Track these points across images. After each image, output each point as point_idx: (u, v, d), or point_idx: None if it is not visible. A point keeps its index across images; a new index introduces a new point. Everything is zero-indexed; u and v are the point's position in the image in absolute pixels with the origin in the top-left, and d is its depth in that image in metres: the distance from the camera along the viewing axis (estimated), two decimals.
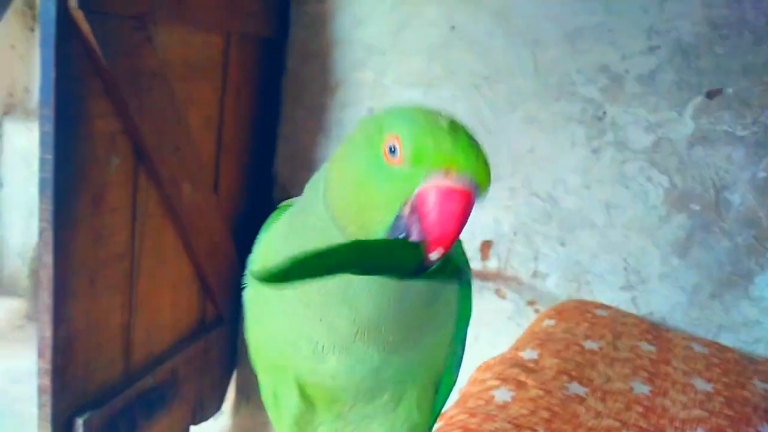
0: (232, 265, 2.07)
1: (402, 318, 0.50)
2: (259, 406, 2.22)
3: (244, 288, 0.61)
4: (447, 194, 0.45)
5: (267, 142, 2.14)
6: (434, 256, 0.44)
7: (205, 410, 2.15)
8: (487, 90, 1.79)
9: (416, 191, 0.45)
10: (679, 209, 1.64)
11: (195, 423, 2.11)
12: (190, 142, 1.76)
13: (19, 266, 2.93)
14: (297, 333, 0.52)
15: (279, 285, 0.43)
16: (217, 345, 2.11)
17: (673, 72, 1.61)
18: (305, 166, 2.10)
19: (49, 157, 1.36)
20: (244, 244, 2.11)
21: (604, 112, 1.66)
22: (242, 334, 2.19)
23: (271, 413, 0.61)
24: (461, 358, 0.61)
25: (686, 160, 1.62)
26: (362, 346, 0.50)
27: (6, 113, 2.82)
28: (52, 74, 1.32)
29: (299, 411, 0.57)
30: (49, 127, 1.34)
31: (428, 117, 0.48)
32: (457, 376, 0.62)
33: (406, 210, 0.45)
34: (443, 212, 0.44)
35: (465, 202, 0.45)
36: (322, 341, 0.51)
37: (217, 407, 2.24)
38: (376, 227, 0.46)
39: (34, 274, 2.87)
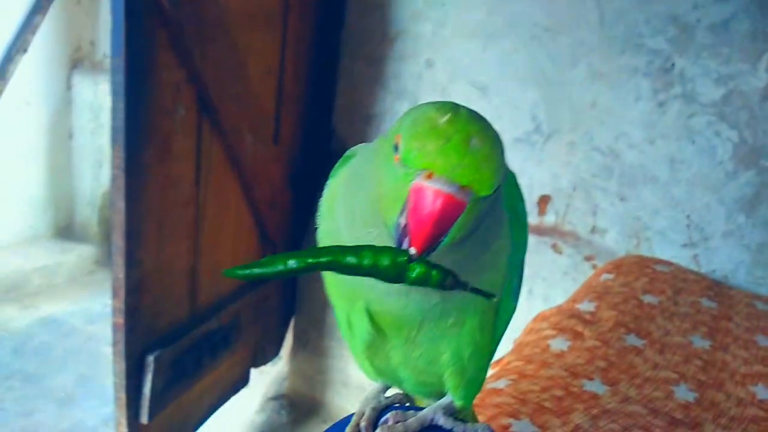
0: (290, 214, 2.12)
1: (463, 247, 0.52)
2: (316, 352, 2.30)
3: (316, 228, 0.64)
4: (424, 196, 0.45)
5: (325, 94, 2.16)
6: (412, 253, 0.45)
7: (264, 354, 2.25)
8: (549, 42, 1.75)
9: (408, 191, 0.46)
10: (748, 165, 1.59)
11: (255, 366, 2.21)
12: (252, 93, 1.79)
13: (89, 214, 3.07)
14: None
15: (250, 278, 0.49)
16: (276, 293, 2.19)
17: (748, 21, 1.54)
18: (362, 119, 2.11)
19: (121, 105, 1.41)
20: (301, 194, 2.17)
21: (672, 64, 1.61)
22: (300, 282, 2.27)
23: (346, 339, 0.65)
24: (519, 285, 0.63)
25: (758, 115, 1.56)
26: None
27: (74, 67, 2.92)
28: (122, 26, 1.36)
29: (370, 337, 0.60)
30: (120, 77, 1.39)
31: (432, 116, 0.47)
32: (515, 303, 0.64)
33: (403, 209, 0.47)
34: (418, 214, 0.45)
35: (443, 206, 0.44)
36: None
37: (276, 352, 2.34)
38: (388, 222, 0.48)
39: (104, 221, 3.02)
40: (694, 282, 1.44)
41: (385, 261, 0.48)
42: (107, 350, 2.48)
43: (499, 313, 0.60)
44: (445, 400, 0.62)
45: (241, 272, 0.50)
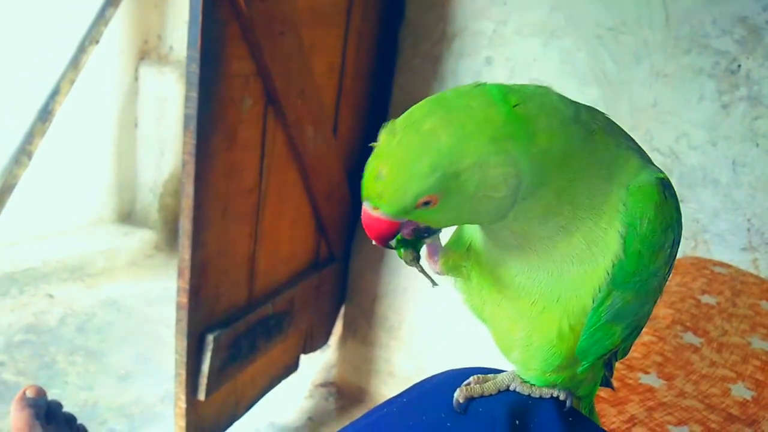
0: (346, 206, 2.17)
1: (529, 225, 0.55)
2: (364, 342, 2.35)
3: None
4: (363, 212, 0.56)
5: (384, 90, 2.20)
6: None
7: (314, 341, 2.31)
8: (612, 41, 1.75)
9: None
10: None
11: (305, 352, 2.27)
12: (314, 87, 1.84)
13: (150, 200, 3.19)
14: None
15: None
16: (328, 281, 2.24)
17: None
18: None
19: (194, 94, 1.47)
20: (357, 187, 2.21)
21: (739, 66, 1.59)
22: (352, 272, 2.32)
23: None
24: (626, 311, 0.57)
25: None
26: (515, 243, 0.57)
27: (141, 59, 3.05)
28: (199, 18, 1.43)
29: (466, 286, 0.67)
30: (195, 67, 1.46)
31: (387, 135, 0.55)
32: (617, 328, 0.58)
33: None
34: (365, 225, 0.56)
35: (365, 218, 0.56)
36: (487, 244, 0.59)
37: (325, 340, 2.39)
38: None
39: (164, 208, 3.13)
40: (754, 284, 1.42)
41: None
42: (164, 331, 2.60)
43: (587, 324, 0.58)
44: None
45: None
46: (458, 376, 0.64)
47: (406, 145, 0.52)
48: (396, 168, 0.52)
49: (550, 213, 0.54)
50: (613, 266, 0.55)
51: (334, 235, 2.18)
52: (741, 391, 1.03)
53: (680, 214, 0.57)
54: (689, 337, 1.16)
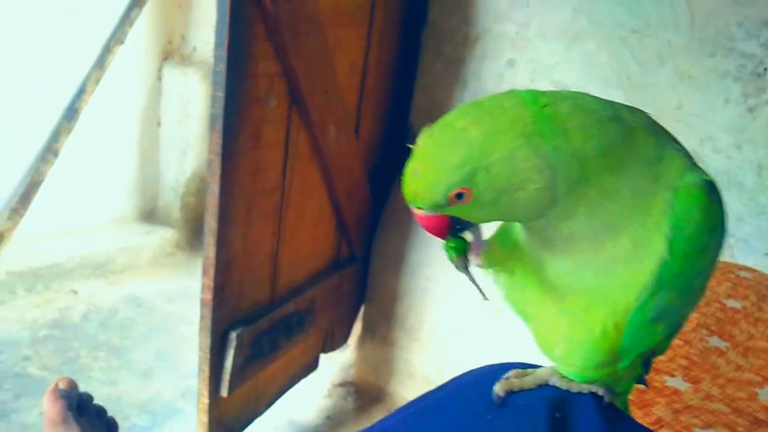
0: (367, 207, 2.19)
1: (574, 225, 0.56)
2: (383, 342, 2.36)
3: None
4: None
5: (405, 92, 2.21)
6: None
7: (334, 341, 2.32)
8: (635, 44, 1.75)
9: None
10: None
11: (324, 351, 2.29)
12: (338, 88, 1.86)
13: (172, 199, 3.23)
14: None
15: None
16: (349, 281, 2.26)
17: None
18: (439, 117, 2.15)
19: (221, 94, 1.49)
20: (378, 188, 2.23)
21: (765, 69, 1.58)
22: (372, 272, 2.33)
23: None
24: (670, 310, 0.58)
25: None
26: (561, 243, 0.58)
27: (165, 59, 3.08)
28: (227, 19, 1.45)
29: (509, 285, 0.68)
30: (222, 67, 1.47)
31: (424, 136, 0.58)
32: (660, 328, 0.59)
33: None
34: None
35: (415, 215, 0.59)
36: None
37: (344, 340, 2.41)
38: None
39: (185, 207, 3.17)
40: None
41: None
42: (185, 328, 2.62)
43: (630, 322, 0.58)
44: None
45: None
46: (496, 370, 0.65)
47: (439, 142, 0.55)
48: (429, 164, 0.55)
49: (594, 211, 0.54)
50: (659, 267, 0.55)
51: (355, 235, 2.20)
52: None
53: (725, 216, 0.58)
54: (715, 341, 1.16)
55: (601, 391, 0.62)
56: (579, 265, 0.58)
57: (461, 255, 0.64)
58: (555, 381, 0.63)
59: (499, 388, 0.62)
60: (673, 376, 1.03)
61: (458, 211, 0.56)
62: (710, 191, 0.56)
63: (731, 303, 1.30)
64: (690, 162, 0.58)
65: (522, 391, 0.62)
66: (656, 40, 1.71)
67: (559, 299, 0.61)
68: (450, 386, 0.67)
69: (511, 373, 0.63)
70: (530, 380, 0.63)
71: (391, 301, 2.30)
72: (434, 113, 2.17)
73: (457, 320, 2.17)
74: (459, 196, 0.54)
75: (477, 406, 0.60)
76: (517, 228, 0.67)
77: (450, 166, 0.53)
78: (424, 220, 0.58)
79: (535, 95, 0.54)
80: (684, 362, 1.08)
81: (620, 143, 0.54)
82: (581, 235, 0.56)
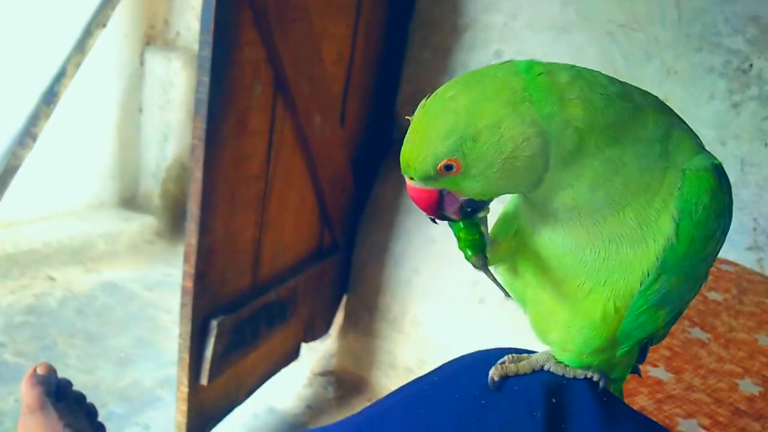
0: (350, 196, 2.17)
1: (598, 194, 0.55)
2: (365, 332, 2.36)
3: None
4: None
5: (391, 81, 2.20)
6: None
7: (315, 330, 2.31)
8: (622, 38, 1.75)
9: None
10: None
11: (306, 341, 2.28)
12: (324, 76, 1.84)
13: (152, 186, 3.19)
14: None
15: None
16: (331, 271, 2.25)
17: None
18: None
19: (206, 79, 1.47)
20: (361, 177, 2.22)
21: (750, 65, 1.59)
22: (355, 262, 2.32)
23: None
24: (673, 295, 0.57)
25: None
26: (563, 218, 0.57)
27: (147, 44, 3.03)
28: (213, 3, 1.42)
29: (507, 269, 0.67)
30: (207, 52, 1.45)
31: (419, 108, 0.57)
32: (663, 312, 0.58)
33: None
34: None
35: (411, 190, 0.58)
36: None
37: (326, 329, 2.40)
38: None
39: (166, 194, 3.13)
40: (760, 283, 1.43)
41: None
42: (164, 316, 2.60)
43: (633, 306, 0.58)
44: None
45: None
46: (490, 356, 0.64)
47: (430, 112, 0.55)
48: (420, 134, 0.54)
49: (598, 182, 0.53)
50: (664, 250, 0.55)
51: (338, 224, 2.18)
52: (748, 386, 1.04)
53: (732, 201, 0.58)
54: (697, 333, 1.17)
55: (596, 377, 0.62)
56: (581, 245, 0.57)
57: (479, 253, 0.61)
58: (550, 366, 0.63)
59: (494, 373, 0.61)
60: (655, 366, 1.04)
61: (450, 183, 0.55)
62: (719, 175, 0.55)
63: (713, 295, 1.32)
64: (698, 144, 0.58)
65: (517, 375, 0.62)
66: (643, 34, 1.71)
67: (561, 284, 0.60)
68: (444, 371, 0.66)
69: (506, 357, 0.63)
70: (526, 365, 0.62)
71: (374, 292, 2.30)
72: (419, 102, 2.16)
73: (441, 312, 2.17)
74: (448, 167, 0.53)
75: (472, 391, 0.60)
76: (518, 212, 0.66)
77: (438, 136, 0.53)
78: (414, 192, 0.57)
79: (531, 64, 0.53)
80: (666, 353, 1.09)
81: (628, 119, 0.53)
82: (584, 208, 0.55)
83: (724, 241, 0.59)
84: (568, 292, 0.60)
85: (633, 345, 0.61)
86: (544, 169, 0.53)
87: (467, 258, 0.61)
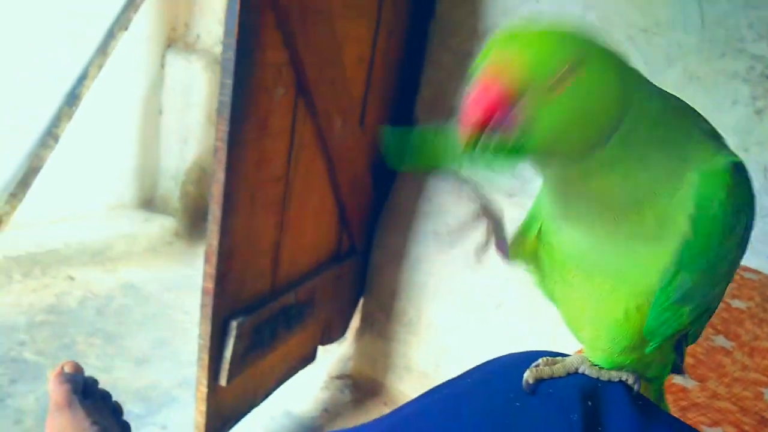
0: (369, 199, 2.18)
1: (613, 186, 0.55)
2: (381, 335, 2.36)
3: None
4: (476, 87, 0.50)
5: (411, 84, 2.21)
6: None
7: (332, 333, 2.32)
8: (644, 43, 1.75)
9: None
10: None
11: (322, 343, 2.28)
12: (345, 78, 1.85)
13: (172, 188, 3.21)
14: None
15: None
16: (349, 274, 2.25)
17: None
18: (445, 111, 2.15)
19: (229, 81, 1.48)
20: (381, 180, 2.22)
21: None
22: (371, 265, 2.32)
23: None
24: (694, 292, 0.57)
25: None
26: (587, 211, 0.58)
27: (169, 46, 3.06)
28: (237, 6, 1.44)
29: (537, 266, 0.67)
30: (231, 54, 1.46)
31: (499, 38, 0.52)
32: (680, 311, 0.58)
33: None
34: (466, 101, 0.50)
35: (484, 92, 0.48)
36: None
37: (342, 332, 2.40)
38: None
39: (185, 196, 3.16)
40: None
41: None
42: (182, 317, 2.62)
43: (654, 305, 0.58)
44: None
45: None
46: (524, 358, 0.65)
47: (539, 30, 0.51)
48: (535, 40, 0.50)
49: (630, 175, 0.54)
50: (681, 246, 0.55)
51: (357, 227, 2.19)
52: None
53: (754, 197, 0.57)
54: (720, 341, 1.16)
55: (631, 380, 0.62)
56: (601, 242, 0.57)
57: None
58: (585, 369, 0.63)
59: (529, 376, 0.62)
60: (679, 373, 1.03)
61: (534, 101, 0.48)
62: (737, 172, 0.55)
63: (736, 303, 1.31)
64: (719, 144, 0.58)
65: (552, 378, 0.62)
66: (665, 39, 1.71)
67: (585, 281, 0.61)
68: (477, 373, 0.66)
69: (540, 360, 0.63)
70: (560, 368, 0.63)
71: (391, 295, 2.30)
72: (438, 106, 2.16)
73: (456, 315, 2.17)
74: (565, 75, 0.48)
75: (506, 394, 0.60)
76: (540, 214, 0.66)
77: (559, 46, 0.49)
78: (489, 96, 0.48)
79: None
80: (690, 360, 1.08)
81: (663, 118, 0.55)
82: (610, 202, 0.55)
83: (748, 239, 0.58)
84: (591, 291, 0.60)
85: (661, 342, 0.61)
86: (606, 138, 0.52)
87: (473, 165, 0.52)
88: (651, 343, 0.61)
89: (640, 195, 0.54)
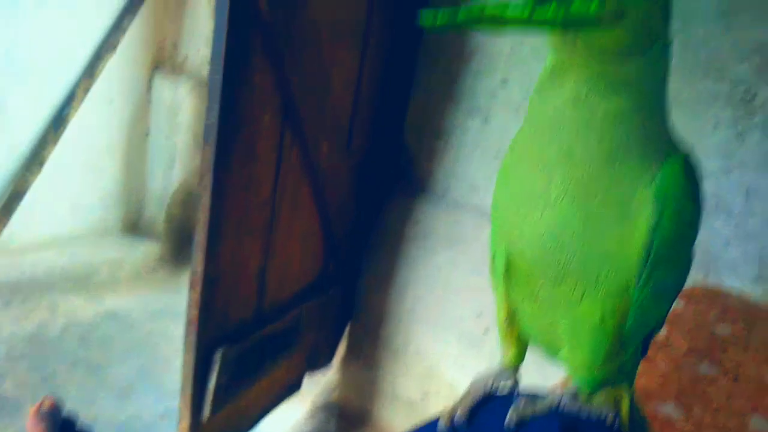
0: (355, 223, 2.17)
1: (592, 154, 0.56)
2: (368, 363, 2.33)
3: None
4: None
5: (399, 106, 2.21)
6: None
7: (318, 361, 2.28)
8: None
9: None
10: None
11: (308, 371, 2.25)
12: (331, 103, 1.85)
13: (157, 210, 3.17)
14: (519, 185, 0.62)
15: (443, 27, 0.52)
16: (335, 300, 2.23)
17: None
18: (432, 133, 2.15)
19: (215, 105, 1.47)
20: (368, 203, 2.21)
21: (755, 94, 1.60)
22: (359, 291, 2.30)
23: (492, 279, 0.70)
24: (667, 286, 0.60)
25: None
26: (561, 201, 0.58)
27: (155, 68, 3.05)
28: (224, 30, 1.43)
29: (505, 281, 0.66)
30: (218, 78, 1.45)
31: None
32: (660, 305, 0.61)
33: None
34: None
35: None
36: (533, 187, 0.59)
37: (329, 360, 2.37)
38: None
39: (170, 219, 3.12)
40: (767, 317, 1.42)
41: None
42: (166, 346, 2.57)
43: (634, 305, 0.59)
44: (572, 387, 0.65)
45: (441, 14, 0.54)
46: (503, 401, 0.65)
47: None
48: None
49: (630, 112, 0.57)
50: (651, 238, 0.56)
51: (343, 252, 2.17)
52: (759, 423, 1.03)
53: (702, 189, 0.62)
54: (705, 368, 1.15)
55: (609, 416, 0.62)
56: (570, 225, 0.57)
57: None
58: (565, 404, 0.62)
59: (513, 417, 0.61)
60: (665, 402, 1.02)
61: None
62: (689, 163, 0.60)
63: (721, 329, 1.30)
64: (675, 139, 0.62)
65: (533, 416, 0.61)
66: None
67: (553, 290, 0.60)
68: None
69: (521, 400, 0.63)
70: (543, 406, 0.62)
71: (378, 321, 2.28)
72: (426, 128, 2.17)
73: (445, 342, 2.15)
74: None
75: None
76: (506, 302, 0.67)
77: None
78: None
79: None
80: (676, 388, 1.07)
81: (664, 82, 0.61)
82: (606, 130, 0.56)
83: (698, 233, 0.62)
84: (561, 300, 0.60)
85: (638, 344, 0.64)
86: (652, 42, 0.56)
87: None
88: (630, 345, 0.62)
89: (622, 142, 0.57)
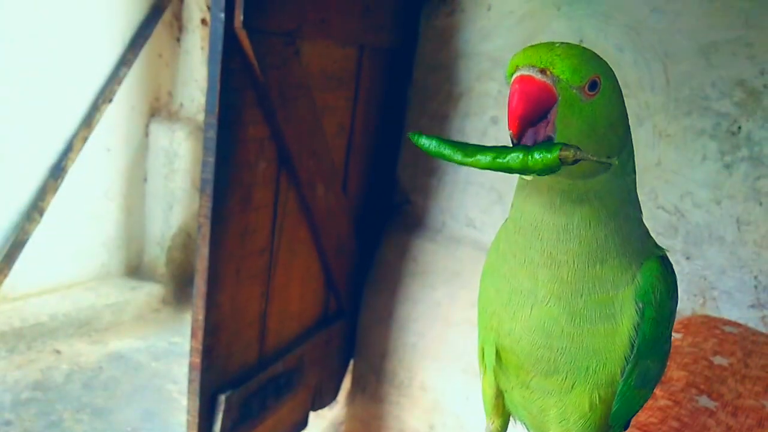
0: (355, 262, 2.19)
1: (576, 258, 0.59)
2: (373, 398, 2.34)
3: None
4: (512, 85, 0.53)
5: (391, 148, 2.25)
6: (510, 135, 0.53)
7: (323, 398, 2.29)
8: None
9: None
10: None
11: (314, 409, 2.26)
12: (326, 148, 1.89)
13: (158, 254, 3.21)
14: (505, 282, 0.64)
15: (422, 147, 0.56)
16: (337, 337, 2.25)
17: None
18: (425, 172, 2.19)
19: (211, 160, 1.52)
20: (365, 243, 2.25)
21: (739, 127, 1.63)
22: (360, 327, 2.32)
23: (480, 368, 0.73)
24: (650, 375, 0.64)
25: None
26: (548, 300, 0.60)
27: (152, 115, 3.11)
28: (217, 87, 1.48)
29: (495, 370, 0.68)
30: (213, 134, 1.50)
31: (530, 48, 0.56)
32: (642, 391, 0.65)
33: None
34: (509, 101, 0.53)
35: (522, 83, 0.52)
36: (520, 285, 0.62)
37: (333, 396, 2.38)
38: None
39: (171, 262, 3.15)
40: (765, 344, 1.43)
41: (513, 157, 0.53)
42: (171, 387, 2.58)
43: (618, 393, 0.63)
44: None
45: (424, 140, 0.57)
46: None
47: (569, 45, 0.56)
48: (575, 47, 0.55)
49: (609, 216, 0.59)
50: (635, 334, 0.60)
51: (343, 290, 2.20)
52: None
53: (676, 285, 0.65)
54: (704, 401, 1.17)
55: None
56: (558, 323, 0.60)
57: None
58: None
59: None
60: None
61: (567, 105, 0.53)
62: (666, 264, 0.63)
63: (718, 360, 1.32)
64: (648, 235, 0.65)
65: None
66: (635, 100, 1.77)
67: (543, 381, 0.63)
68: None
69: None
70: None
71: (381, 357, 2.29)
72: (419, 168, 2.20)
73: (448, 375, 2.16)
74: (593, 85, 0.54)
75: None
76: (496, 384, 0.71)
77: (591, 57, 0.55)
78: (536, 89, 0.52)
79: None
80: (675, 424, 1.08)
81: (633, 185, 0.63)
82: (586, 236, 0.59)
83: (675, 319, 0.67)
84: (551, 389, 0.63)
85: (624, 424, 0.68)
86: (623, 147, 0.59)
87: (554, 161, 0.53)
88: (616, 427, 0.66)
89: (605, 245, 0.59)
